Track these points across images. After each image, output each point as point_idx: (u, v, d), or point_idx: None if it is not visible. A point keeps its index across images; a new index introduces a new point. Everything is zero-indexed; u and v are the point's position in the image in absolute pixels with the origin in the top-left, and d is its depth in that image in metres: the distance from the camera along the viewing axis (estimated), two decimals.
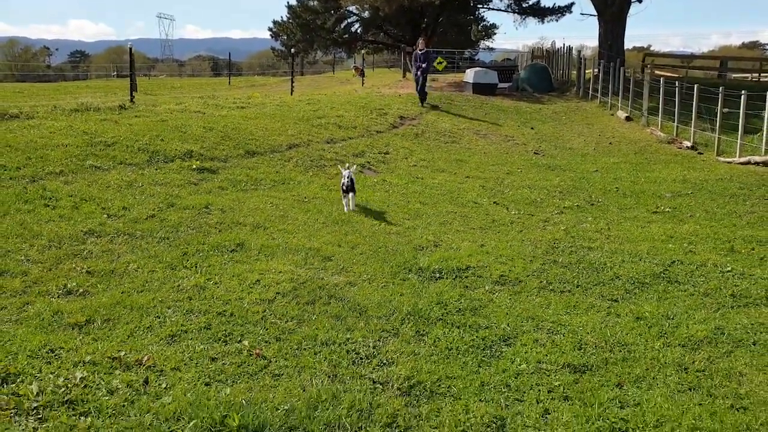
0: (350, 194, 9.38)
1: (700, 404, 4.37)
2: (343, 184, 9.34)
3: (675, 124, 18.81)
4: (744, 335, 5.53)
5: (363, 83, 30.47)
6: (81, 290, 5.51)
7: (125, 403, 3.87)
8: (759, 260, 7.80)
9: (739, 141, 15.61)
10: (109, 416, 3.72)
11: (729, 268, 7.37)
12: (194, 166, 10.22)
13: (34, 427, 3.56)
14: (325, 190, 10.63)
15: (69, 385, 3.95)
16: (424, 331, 5.42)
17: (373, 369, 4.67)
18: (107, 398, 3.89)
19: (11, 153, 9.00)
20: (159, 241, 6.96)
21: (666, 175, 13.99)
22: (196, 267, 6.30)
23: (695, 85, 18.09)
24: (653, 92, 20.87)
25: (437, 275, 6.82)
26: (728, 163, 15.36)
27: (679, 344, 5.31)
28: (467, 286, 6.57)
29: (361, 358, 4.82)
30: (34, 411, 3.70)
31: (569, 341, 5.30)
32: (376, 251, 7.48)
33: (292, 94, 21.82)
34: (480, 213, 10.28)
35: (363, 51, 42.41)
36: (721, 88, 17.09)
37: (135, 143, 10.70)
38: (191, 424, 3.66)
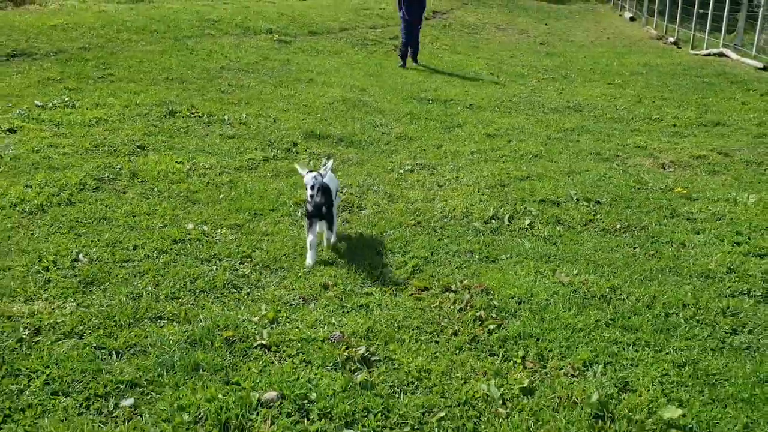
0: (319, 225, 4.94)
1: (558, 149, 8.73)
2: (309, 200, 4.81)
3: (665, 23, 22.20)
4: (593, 129, 9.80)
5: None
6: (228, 91, 10.10)
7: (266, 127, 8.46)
8: (654, 107, 11.84)
9: (706, 37, 19.11)
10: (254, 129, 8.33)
11: (623, 107, 11.50)
12: (275, 38, 14.59)
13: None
14: (365, 58, 14.91)
15: (236, 124, 8.53)
16: (414, 121, 9.83)
17: (382, 129, 9.14)
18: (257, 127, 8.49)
19: (157, 23, 13.49)
20: (263, 75, 11.47)
21: (636, 61, 17.72)
22: (287, 87, 10.82)
23: None
24: None
25: (430, 101, 11.18)
26: (696, 54, 18.92)
27: (554, 130, 9.62)
28: (447, 107, 10.92)
29: (377, 125, 9.28)
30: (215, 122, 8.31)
31: (492, 127, 9.67)
32: (395, 90, 11.84)
33: None
34: (475, 79, 14.44)
35: None
36: None
37: (232, 21, 15.09)
38: (299, 131, 8.24)
